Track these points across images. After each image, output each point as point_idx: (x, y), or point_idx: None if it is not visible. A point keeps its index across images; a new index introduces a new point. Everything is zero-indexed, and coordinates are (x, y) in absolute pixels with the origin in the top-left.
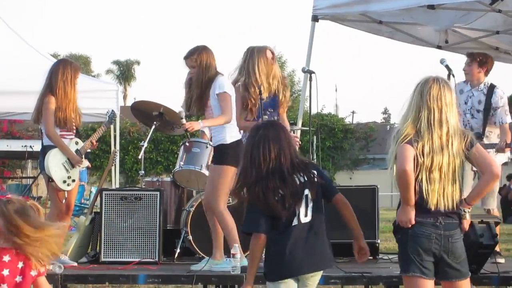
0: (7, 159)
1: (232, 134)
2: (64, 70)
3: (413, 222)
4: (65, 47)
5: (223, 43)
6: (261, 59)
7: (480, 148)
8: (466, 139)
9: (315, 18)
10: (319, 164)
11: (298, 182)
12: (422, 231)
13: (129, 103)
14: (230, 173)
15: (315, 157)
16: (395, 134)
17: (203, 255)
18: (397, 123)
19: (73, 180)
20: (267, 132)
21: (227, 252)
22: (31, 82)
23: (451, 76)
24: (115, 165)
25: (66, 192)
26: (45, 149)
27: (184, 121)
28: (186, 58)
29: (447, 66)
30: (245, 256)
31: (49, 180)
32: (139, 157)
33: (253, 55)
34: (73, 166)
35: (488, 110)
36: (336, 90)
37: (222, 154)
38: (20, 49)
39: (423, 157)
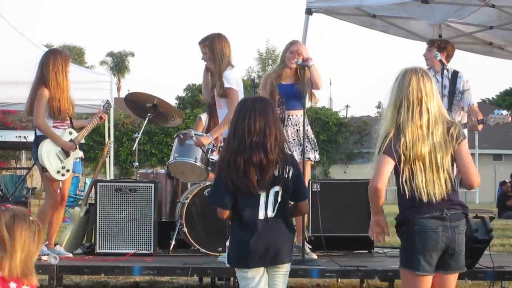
0: (1, 150)
1: None
2: (55, 60)
3: (386, 231)
4: (59, 37)
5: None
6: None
7: (465, 148)
8: (454, 129)
9: (309, 11)
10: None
11: (272, 174)
12: (428, 225)
13: (123, 94)
14: None
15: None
16: (378, 136)
17: (198, 247)
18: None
19: (67, 170)
20: (254, 105)
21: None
22: (25, 72)
23: (444, 70)
24: (109, 156)
25: (60, 182)
26: (38, 140)
27: (194, 139)
28: (199, 43)
29: (440, 61)
30: None
31: (43, 170)
32: (133, 148)
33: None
34: (67, 155)
35: (453, 94)
36: (330, 84)
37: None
38: (14, 40)
39: (407, 151)
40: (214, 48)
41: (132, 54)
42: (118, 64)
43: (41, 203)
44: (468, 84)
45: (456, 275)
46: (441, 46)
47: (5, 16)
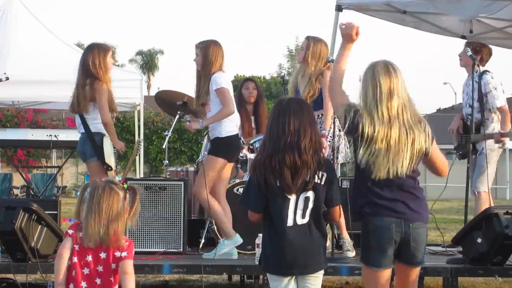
0: (32, 149)
1: (228, 129)
2: (105, 54)
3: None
4: (89, 36)
5: (245, 32)
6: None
7: (436, 148)
8: (426, 126)
9: (339, 8)
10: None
11: (304, 178)
12: (381, 224)
13: (153, 92)
14: (218, 165)
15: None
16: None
17: None
18: None
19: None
20: (289, 105)
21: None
22: (56, 71)
23: (475, 65)
24: (139, 155)
25: None
26: (95, 136)
27: (187, 123)
28: (195, 45)
29: (471, 56)
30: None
31: (108, 168)
32: (163, 146)
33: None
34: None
35: (482, 97)
36: (359, 80)
37: (216, 146)
38: (44, 39)
39: (369, 132)
40: (207, 53)
41: (162, 52)
42: (148, 62)
43: (69, 201)
44: (490, 86)
45: (417, 269)
46: (476, 49)
47: (36, 14)
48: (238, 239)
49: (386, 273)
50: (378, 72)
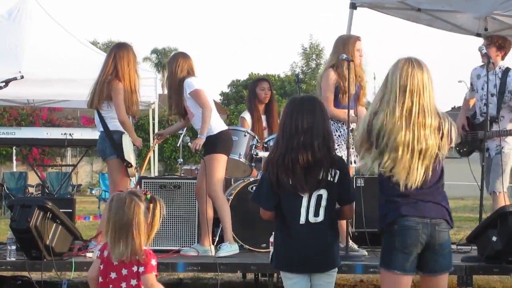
0: (47, 147)
1: (216, 125)
2: (128, 54)
3: None
4: (104, 34)
5: (260, 30)
6: (354, 49)
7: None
8: (445, 126)
9: (353, 6)
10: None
11: (318, 176)
12: (407, 224)
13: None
14: (222, 160)
15: (353, 146)
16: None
17: (242, 243)
18: None
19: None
20: (302, 103)
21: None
22: (70, 69)
23: (490, 63)
24: (154, 153)
25: (130, 180)
26: (114, 134)
27: (190, 144)
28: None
29: (486, 54)
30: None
31: (128, 165)
32: (178, 145)
33: (347, 44)
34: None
35: (503, 93)
36: (374, 78)
37: (212, 144)
38: (59, 37)
39: (384, 137)
40: (172, 68)
41: (176, 51)
42: (163, 61)
43: (84, 200)
44: None
45: (445, 276)
46: (501, 45)
47: (50, 13)
48: (237, 248)
49: (409, 280)
50: (398, 75)
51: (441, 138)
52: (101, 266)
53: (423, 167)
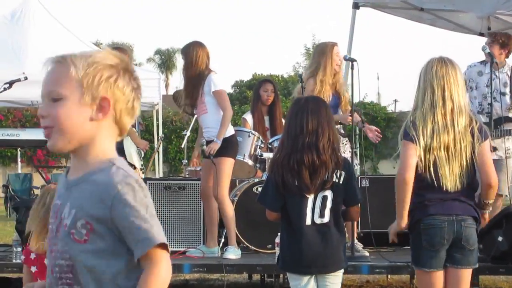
0: None
1: (229, 128)
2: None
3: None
4: (107, 35)
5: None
6: (333, 54)
7: (486, 150)
8: (476, 125)
9: (356, 6)
10: (362, 153)
11: (323, 177)
12: (432, 222)
13: (171, 92)
14: (229, 164)
15: (357, 146)
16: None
17: (247, 244)
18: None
19: (141, 169)
20: (307, 104)
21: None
22: None
23: (494, 63)
24: (158, 154)
25: None
26: None
27: (205, 147)
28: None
29: (489, 54)
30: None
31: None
32: (182, 146)
33: (325, 51)
34: (141, 154)
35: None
36: (378, 79)
37: (223, 147)
38: (62, 38)
39: (427, 139)
40: (191, 55)
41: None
42: (166, 61)
43: None
44: None
45: (469, 271)
46: (504, 43)
47: (53, 13)
48: (240, 254)
49: (439, 275)
50: (433, 74)
51: (472, 137)
52: (34, 268)
53: (457, 167)
